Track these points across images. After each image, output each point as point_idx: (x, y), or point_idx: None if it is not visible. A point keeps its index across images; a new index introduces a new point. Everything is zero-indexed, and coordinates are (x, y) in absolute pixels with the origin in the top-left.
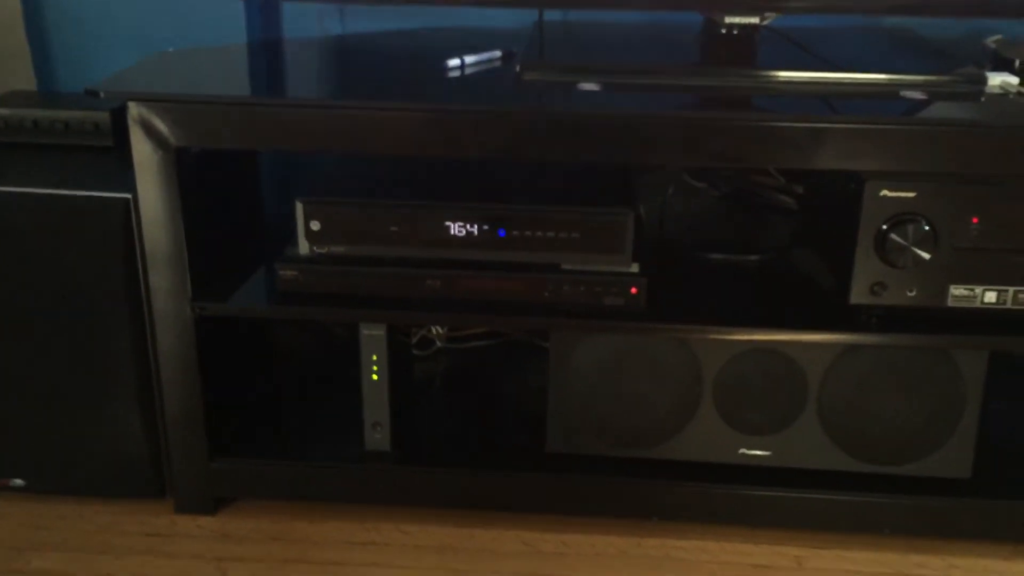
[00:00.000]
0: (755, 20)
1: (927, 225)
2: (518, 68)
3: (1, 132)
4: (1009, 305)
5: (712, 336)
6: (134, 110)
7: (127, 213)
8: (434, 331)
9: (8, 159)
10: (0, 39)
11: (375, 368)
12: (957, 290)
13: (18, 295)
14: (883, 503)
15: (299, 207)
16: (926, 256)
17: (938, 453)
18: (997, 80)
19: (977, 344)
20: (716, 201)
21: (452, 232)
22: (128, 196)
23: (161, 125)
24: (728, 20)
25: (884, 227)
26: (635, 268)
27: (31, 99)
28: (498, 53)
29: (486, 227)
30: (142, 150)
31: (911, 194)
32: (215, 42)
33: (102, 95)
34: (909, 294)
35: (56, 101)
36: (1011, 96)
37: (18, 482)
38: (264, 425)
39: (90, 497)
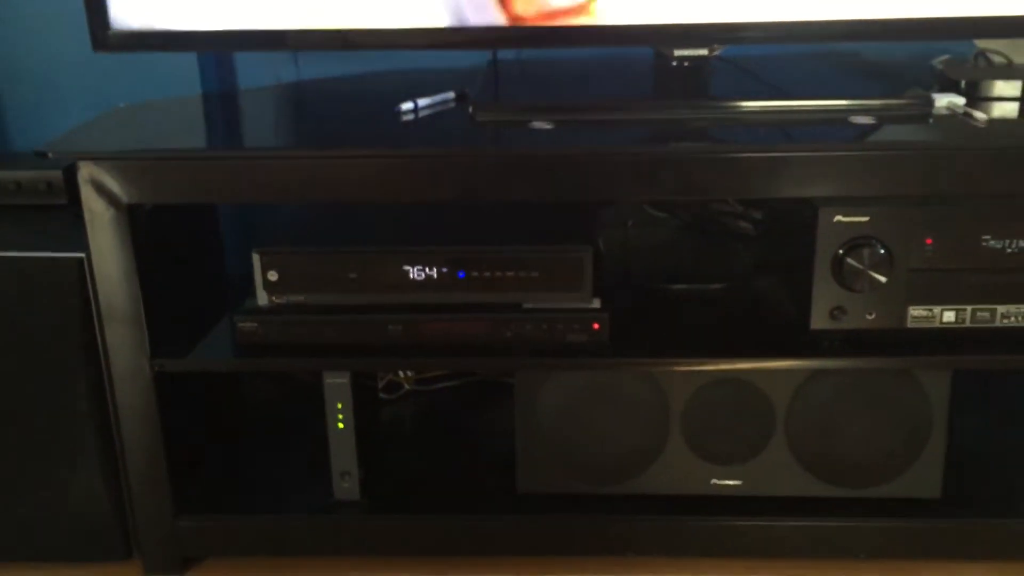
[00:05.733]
0: (704, 52)
1: (882, 248)
2: (471, 109)
3: None
4: (968, 323)
5: (677, 368)
6: (84, 169)
7: (81, 272)
8: (401, 374)
9: None
10: None
11: (340, 416)
12: (916, 311)
13: None
14: (857, 527)
15: (256, 258)
16: (883, 279)
17: (907, 474)
18: (944, 101)
19: (939, 364)
20: (677, 231)
21: (411, 276)
22: (82, 255)
23: (112, 183)
24: (678, 53)
25: (840, 252)
26: (597, 303)
27: None
28: (452, 95)
29: (445, 269)
30: (94, 208)
31: (865, 218)
32: (169, 95)
33: (51, 155)
34: (869, 317)
35: (8, 161)
36: (958, 117)
37: None
38: (230, 479)
39: (55, 562)
